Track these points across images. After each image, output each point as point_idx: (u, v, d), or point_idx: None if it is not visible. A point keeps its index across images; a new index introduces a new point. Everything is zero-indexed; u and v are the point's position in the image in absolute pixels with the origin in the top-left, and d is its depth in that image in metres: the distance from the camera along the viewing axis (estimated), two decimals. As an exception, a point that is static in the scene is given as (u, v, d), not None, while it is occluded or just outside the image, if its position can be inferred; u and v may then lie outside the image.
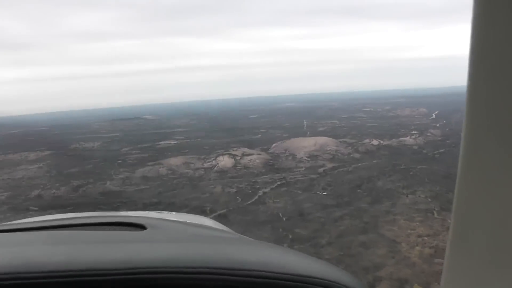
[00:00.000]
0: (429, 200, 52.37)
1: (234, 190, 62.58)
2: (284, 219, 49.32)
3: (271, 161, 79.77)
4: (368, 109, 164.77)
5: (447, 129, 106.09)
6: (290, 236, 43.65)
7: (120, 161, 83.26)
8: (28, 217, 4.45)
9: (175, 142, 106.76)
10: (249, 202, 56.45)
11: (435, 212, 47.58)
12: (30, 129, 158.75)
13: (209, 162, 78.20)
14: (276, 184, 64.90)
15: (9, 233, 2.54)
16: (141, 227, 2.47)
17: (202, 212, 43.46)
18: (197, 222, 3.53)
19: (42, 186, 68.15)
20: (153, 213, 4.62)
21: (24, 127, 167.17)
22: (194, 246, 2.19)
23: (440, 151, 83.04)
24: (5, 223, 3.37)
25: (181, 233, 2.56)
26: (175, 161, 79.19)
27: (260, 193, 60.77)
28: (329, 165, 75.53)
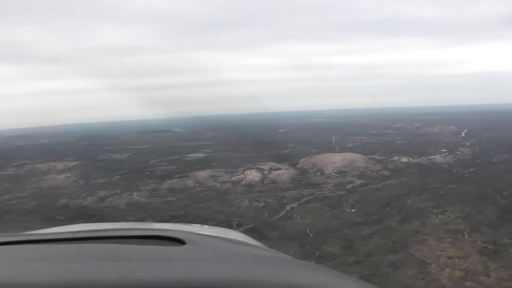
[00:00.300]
0: (459, 220, 51.33)
1: (262, 204, 62.24)
2: (311, 236, 48.73)
3: (299, 176, 79.41)
4: (398, 126, 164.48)
5: (477, 148, 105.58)
6: (317, 253, 43.07)
7: (148, 173, 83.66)
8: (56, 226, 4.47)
9: (203, 155, 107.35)
10: (276, 217, 55.98)
11: (465, 233, 46.54)
12: (59, 139, 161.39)
13: (236, 175, 78.21)
14: (303, 200, 64.42)
15: (48, 245, 2.60)
16: (180, 241, 2.51)
17: (229, 226, 43.11)
18: (229, 237, 3.60)
19: (68, 195, 68.77)
20: (185, 225, 4.56)
21: (53, 137, 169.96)
22: (236, 265, 2.20)
23: (470, 170, 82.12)
24: (40, 232, 3.54)
25: (221, 250, 2.56)
26: (202, 174, 79.28)
27: (288, 208, 60.36)
28: (358, 182, 74.97)
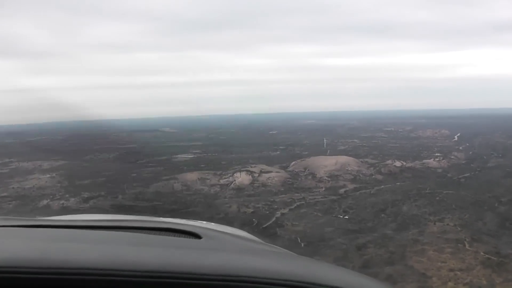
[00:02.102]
0: (459, 229, 49.28)
1: (251, 210, 59.87)
2: (303, 245, 46.32)
3: (290, 179, 77.21)
4: (389, 129, 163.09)
5: (470, 152, 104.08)
6: (309, 265, 40.68)
7: (134, 174, 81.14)
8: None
9: (192, 156, 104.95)
10: (266, 225, 53.58)
11: (466, 243, 44.37)
12: (47, 137, 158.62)
13: (225, 178, 75.78)
14: (295, 205, 62.09)
15: (60, 229, 2.72)
16: (196, 235, 2.57)
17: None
18: (237, 234, 3.64)
19: (51, 196, 66.52)
20: (192, 222, 4.12)
21: (41, 135, 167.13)
22: (255, 257, 2.33)
23: (465, 175, 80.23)
24: (62, 218, 3.78)
25: (237, 244, 2.65)
26: (191, 176, 76.84)
27: (278, 214, 57.99)
28: (351, 186, 72.81)
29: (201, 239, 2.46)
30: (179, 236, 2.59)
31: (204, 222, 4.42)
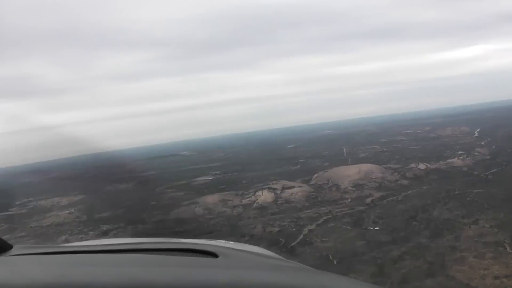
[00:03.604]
0: (496, 230, 46.98)
1: (277, 229, 57.94)
2: (335, 262, 44.25)
3: (313, 193, 75.18)
4: (408, 131, 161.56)
5: (494, 146, 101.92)
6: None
7: (154, 203, 79.78)
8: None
9: (211, 178, 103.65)
10: (294, 243, 51.57)
11: (506, 245, 42.02)
12: (67, 172, 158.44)
13: (247, 198, 74.05)
14: (321, 220, 60.05)
15: (79, 255, 2.83)
16: (213, 255, 2.61)
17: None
18: (255, 251, 3.64)
19: (69, 232, 65.59)
20: (211, 241, 4.12)
21: (61, 170, 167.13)
22: (272, 274, 2.32)
23: (492, 171, 78.13)
24: (79, 244, 3.82)
25: (254, 262, 2.71)
26: (212, 198, 75.18)
27: (305, 231, 55.90)
28: (377, 195, 70.65)
29: (218, 258, 2.49)
30: (196, 256, 2.62)
31: (223, 241, 4.44)
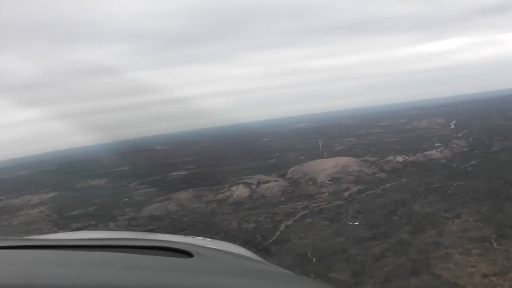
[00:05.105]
0: (480, 224, 45.57)
1: (252, 225, 56.18)
2: (314, 260, 42.42)
3: (290, 188, 73.66)
4: (384, 123, 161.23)
5: (471, 138, 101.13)
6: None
7: (126, 199, 77.34)
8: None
9: (185, 173, 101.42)
10: (270, 240, 49.74)
11: (492, 240, 40.43)
12: (39, 169, 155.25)
13: (222, 193, 72.32)
14: (299, 215, 58.34)
15: (62, 251, 2.71)
16: (187, 254, 2.54)
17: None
18: (233, 251, 3.56)
19: (39, 231, 62.68)
20: (188, 238, 4.32)
21: (32, 168, 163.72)
22: (244, 279, 2.25)
23: (471, 163, 77.22)
24: (52, 237, 3.85)
25: (228, 264, 2.59)
26: (185, 194, 73.05)
27: (282, 227, 54.18)
28: (355, 188, 69.26)
29: (193, 258, 2.42)
30: (171, 255, 2.53)
31: (200, 238, 4.39)
